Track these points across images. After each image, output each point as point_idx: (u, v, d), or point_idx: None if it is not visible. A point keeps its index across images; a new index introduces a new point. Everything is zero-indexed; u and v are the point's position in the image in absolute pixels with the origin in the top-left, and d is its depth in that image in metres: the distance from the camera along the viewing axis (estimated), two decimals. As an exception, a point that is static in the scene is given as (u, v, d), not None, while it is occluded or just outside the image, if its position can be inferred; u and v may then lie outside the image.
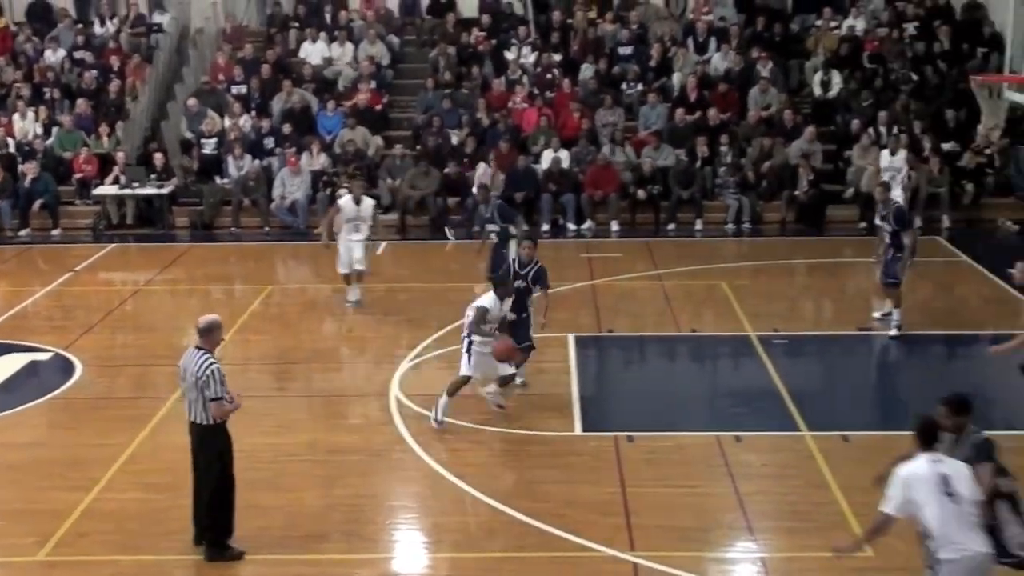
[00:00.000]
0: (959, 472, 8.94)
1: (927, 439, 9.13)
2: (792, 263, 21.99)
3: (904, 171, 19.67)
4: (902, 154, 19.56)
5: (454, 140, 25.85)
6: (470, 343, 14.06)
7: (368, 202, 19.21)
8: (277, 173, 24.98)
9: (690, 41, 28.11)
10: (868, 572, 10.20)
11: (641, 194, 24.55)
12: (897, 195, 19.22)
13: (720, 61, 27.58)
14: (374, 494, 12.62)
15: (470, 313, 14.08)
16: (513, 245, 17.85)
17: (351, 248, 18.88)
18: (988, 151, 24.61)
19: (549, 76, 27.21)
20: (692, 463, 13.06)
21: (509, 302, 14.44)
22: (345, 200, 19.24)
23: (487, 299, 14.10)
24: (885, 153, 20.21)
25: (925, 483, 8.88)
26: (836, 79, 26.88)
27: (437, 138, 25.74)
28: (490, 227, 18.11)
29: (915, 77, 26.87)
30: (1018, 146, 24.91)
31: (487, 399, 14.41)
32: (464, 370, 14.09)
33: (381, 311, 19.26)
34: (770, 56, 27.33)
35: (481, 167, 24.69)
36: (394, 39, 29.22)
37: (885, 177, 19.68)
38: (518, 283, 14.82)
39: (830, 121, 26.57)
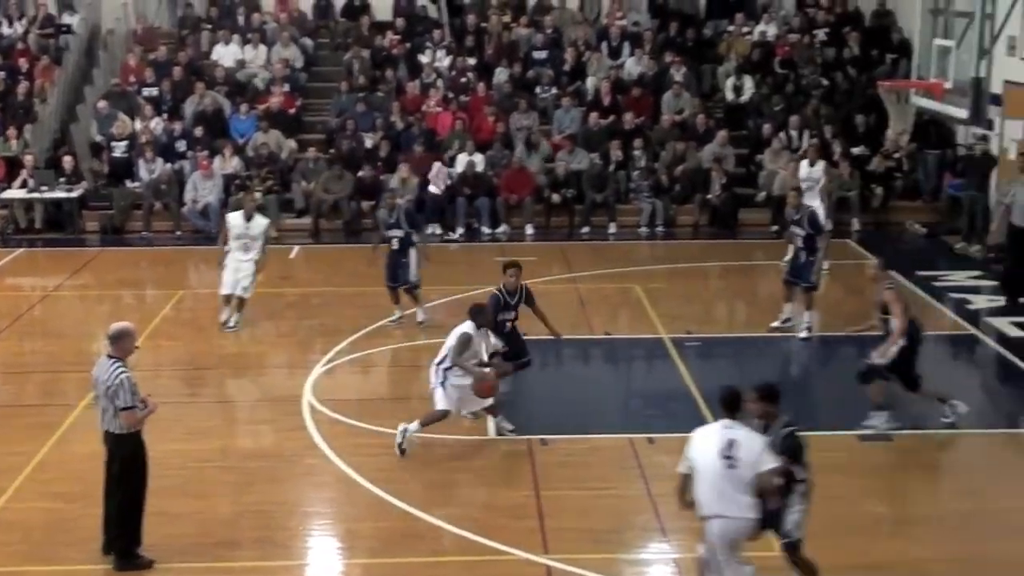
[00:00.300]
0: (749, 441, 9.44)
1: (728, 408, 9.67)
2: (705, 266, 22.17)
3: (823, 181, 19.89)
4: (820, 164, 19.78)
5: (368, 143, 25.76)
6: (446, 373, 13.42)
7: (260, 221, 17.99)
8: (189, 177, 24.72)
9: (604, 45, 28.24)
10: (783, 572, 10.31)
11: (556, 198, 24.62)
12: (817, 205, 19.41)
13: (634, 65, 27.73)
14: (286, 500, 12.53)
15: (451, 340, 13.49)
16: (414, 253, 17.75)
17: (238, 269, 17.73)
18: (896, 155, 24.96)
19: (464, 80, 27.26)
20: (605, 465, 13.12)
21: (492, 335, 13.81)
22: (234, 216, 18.07)
23: (468, 325, 13.49)
24: (804, 164, 20.42)
25: (708, 443, 9.49)
26: (748, 84, 27.16)
27: (351, 141, 25.63)
28: (393, 232, 17.95)
29: (825, 82, 27.21)
30: (925, 151, 25.31)
31: (495, 426, 14.00)
32: (440, 404, 13.50)
33: (295, 316, 19.16)
34: (683, 61, 27.54)
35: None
36: (308, 42, 29.07)
37: (805, 187, 19.87)
38: (509, 315, 14.38)
39: (742, 125, 26.82)
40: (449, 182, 24.57)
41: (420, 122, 26.07)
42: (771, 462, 9.52)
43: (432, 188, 24.39)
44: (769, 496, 9.63)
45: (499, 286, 14.70)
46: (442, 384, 13.50)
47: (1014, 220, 18.17)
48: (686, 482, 9.71)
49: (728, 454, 9.42)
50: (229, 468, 13.16)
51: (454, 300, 18.78)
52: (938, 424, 14.22)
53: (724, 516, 9.49)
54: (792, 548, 9.98)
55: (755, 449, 9.49)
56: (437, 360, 13.62)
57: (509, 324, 14.42)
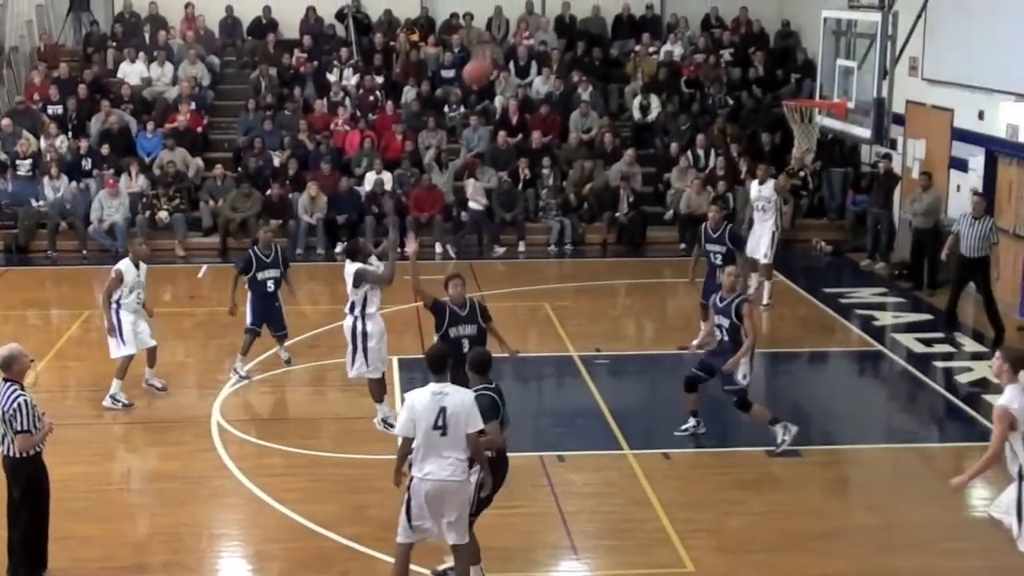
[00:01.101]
0: (458, 406, 9.92)
1: (436, 368, 10.13)
2: (614, 284, 22.28)
3: (774, 200, 19.96)
4: (770, 183, 19.81)
5: (276, 162, 25.59)
6: (365, 323, 14.23)
7: (143, 268, 15.89)
8: (95, 195, 24.39)
9: (511, 65, 28.33)
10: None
11: (465, 216, 24.63)
12: (770, 225, 19.51)
13: (541, 85, 27.83)
14: (195, 522, 12.39)
15: (349, 286, 14.13)
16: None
17: (136, 323, 15.71)
18: (802, 173, 25.28)
19: (372, 98, 27.15)
20: (515, 484, 13.01)
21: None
22: (125, 264, 15.68)
23: (354, 265, 13.95)
24: (754, 184, 20.48)
25: (423, 410, 9.89)
26: (655, 103, 27.38)
27: (259, 160, 25.43)
28: (268, 273, 16.51)
29: (731, 102, 27.55)
30: (831, 169, 25.67)
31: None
32: (372, 374, 14.41)
33: (203, 335, 18.97)
34: (590, 80, 27.70)
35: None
36: (215, 60, 28.86)
37: (757, 207, 19.87)
38: (465, 330, 12.98)
39: (649, 144, 27.03)
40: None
41: (328, 141, 25.96)
42: (479, 423, 10.00)
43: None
44: (479, 459, 10.14)
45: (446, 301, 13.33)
46: (364, 352, 14.10)
47: (962, 251, 18.43)
48: (404, 446, 10.13)
49: (439, 424, 9.88)
50: (137, 490, 13.01)
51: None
52: (842, 439, 14.45)
53: (428, 477, 9.96)
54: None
55: (463, 412, 9.96)
56: (349, 309, 14.24)
57: (466, 341, 12.88)
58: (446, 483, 10.00)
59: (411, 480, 10.09)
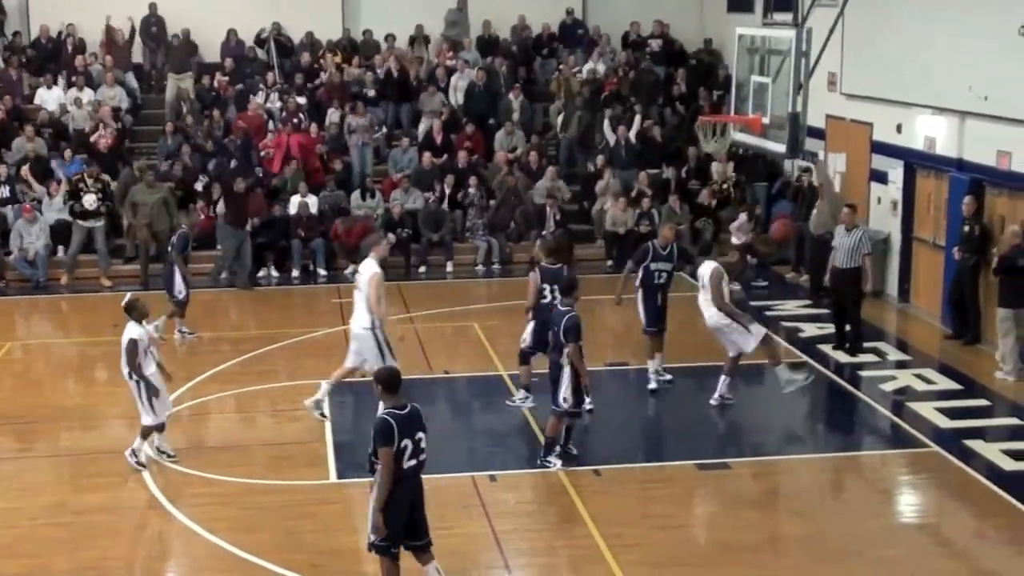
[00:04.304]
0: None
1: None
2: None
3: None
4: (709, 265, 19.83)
5: (199, 186, 25.44)
6: None
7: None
8: (13, 223, 24.12)
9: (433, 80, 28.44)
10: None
11: (391, 237, 24.61)
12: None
13: (460, 81, 27.98)
14: (125, 555, 12.32)
15: None
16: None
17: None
18: (724, 186, 25.58)
19: (295, 120, 27.02)
20: (448, 505, 13.15)
21: None
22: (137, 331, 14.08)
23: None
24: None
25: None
26: (579, 121, 27.48)
27: (182, 175, 25.24)
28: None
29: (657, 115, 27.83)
30: (754, 183, 25.97)
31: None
32: None
33: (128, 364, 18.81)
34: (512, 68, 27.85)
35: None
36: (134, 83, 28.69)
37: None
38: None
39: (574, 162, 27.21)
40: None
41: (244, 141, 25.87)
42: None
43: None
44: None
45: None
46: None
47: (836, 263, 18.68)
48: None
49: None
50: (64, 524, 12.87)
51: (290, 344, 18.71)
52: (770, 450, 14.68)
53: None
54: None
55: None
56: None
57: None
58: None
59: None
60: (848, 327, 18.79)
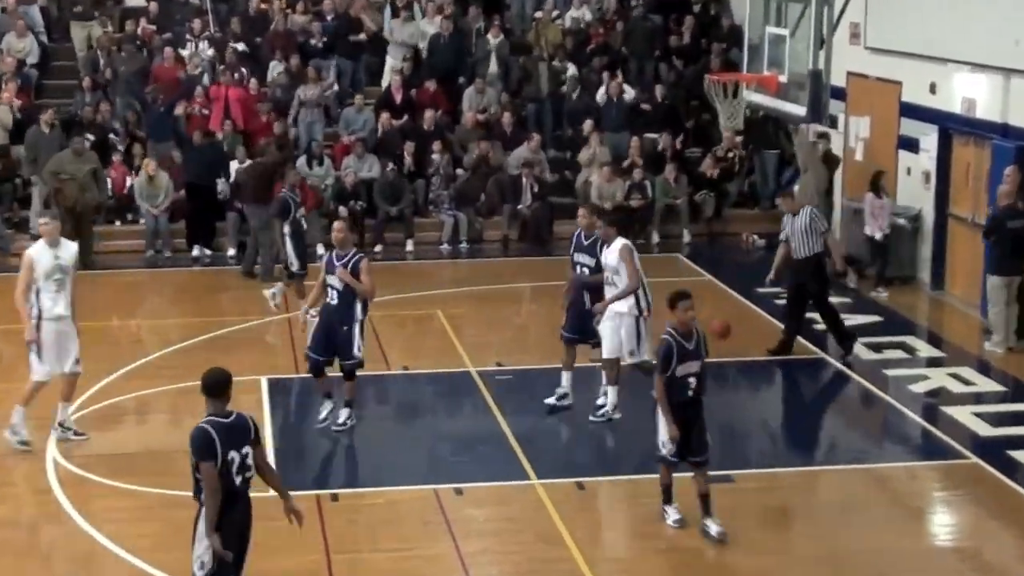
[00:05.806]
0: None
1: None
2: (516, 287, 22.35)
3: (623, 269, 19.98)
4: (617, 245, 19.47)
5: (120, 148, 25.27)
6: None
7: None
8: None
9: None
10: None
11: (343, 211, 24.46)
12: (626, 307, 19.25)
13: (427, 26, 27.91)
14: (25, 581, 12.24)
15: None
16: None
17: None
18: (731, 155, 25.51)
19: (237, 75, 26.64)
20: (406, 522, 13.10)
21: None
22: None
23: None
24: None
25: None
26: (562, 76, 27.36)
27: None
28: None
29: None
30: (764, 150, 25.90)
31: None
32: None
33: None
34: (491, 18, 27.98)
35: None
36: (44, 37, 28.43)
37: (607, 279, 19.68)
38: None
39: (557, 124, 27.11)
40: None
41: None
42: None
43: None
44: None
45: None
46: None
47: (792, 254, 18.26)
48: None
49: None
50: (-42, 541, 12.78)
51: (222, 335, 18.65)
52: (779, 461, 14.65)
53: None
54: None
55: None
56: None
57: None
58: None
59: None
60: (826, 326, 18.48)
